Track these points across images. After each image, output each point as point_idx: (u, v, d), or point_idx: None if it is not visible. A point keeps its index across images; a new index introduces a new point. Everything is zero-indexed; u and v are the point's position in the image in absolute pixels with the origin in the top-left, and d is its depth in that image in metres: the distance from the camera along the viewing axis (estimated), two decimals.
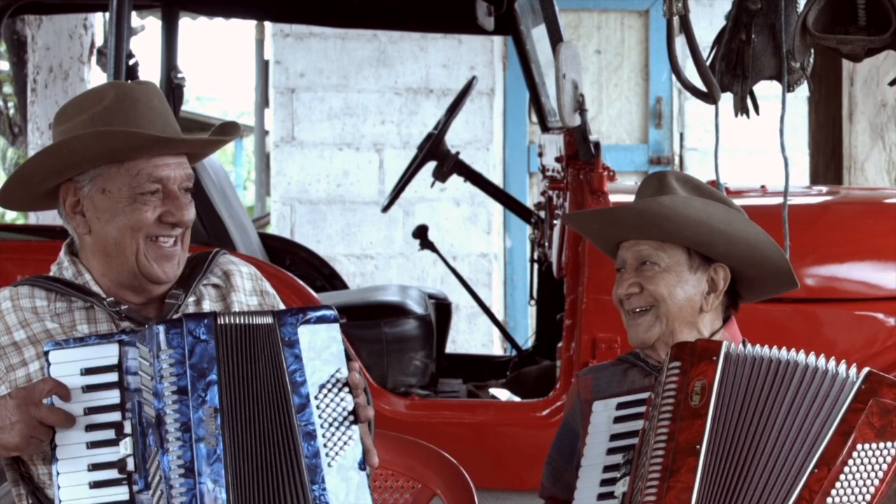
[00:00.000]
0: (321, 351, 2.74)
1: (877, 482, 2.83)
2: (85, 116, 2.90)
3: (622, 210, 3.21)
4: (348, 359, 2.79)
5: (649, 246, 3.16)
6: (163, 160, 2.89)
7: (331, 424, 2.71)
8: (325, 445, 2.70)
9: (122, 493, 2.68)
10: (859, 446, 2.84)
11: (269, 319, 2.74)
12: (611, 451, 3.05)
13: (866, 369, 2.91)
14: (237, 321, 2.73)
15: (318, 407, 2.71)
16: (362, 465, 2.72)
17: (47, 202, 2.98)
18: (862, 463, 2.84)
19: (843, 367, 2.92)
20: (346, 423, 2.72)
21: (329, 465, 2.69)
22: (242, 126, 16.60)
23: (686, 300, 3.16)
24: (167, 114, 2.94)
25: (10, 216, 13.79)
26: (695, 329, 3.17)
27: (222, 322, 2.71)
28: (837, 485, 2.83)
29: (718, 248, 3.15)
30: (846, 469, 2.83)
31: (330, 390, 2.73)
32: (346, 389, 2.74)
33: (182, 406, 2.64)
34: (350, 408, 2.73)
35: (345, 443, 2.71)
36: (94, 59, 8.40)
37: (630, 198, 5.16)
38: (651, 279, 3.15)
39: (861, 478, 2.83)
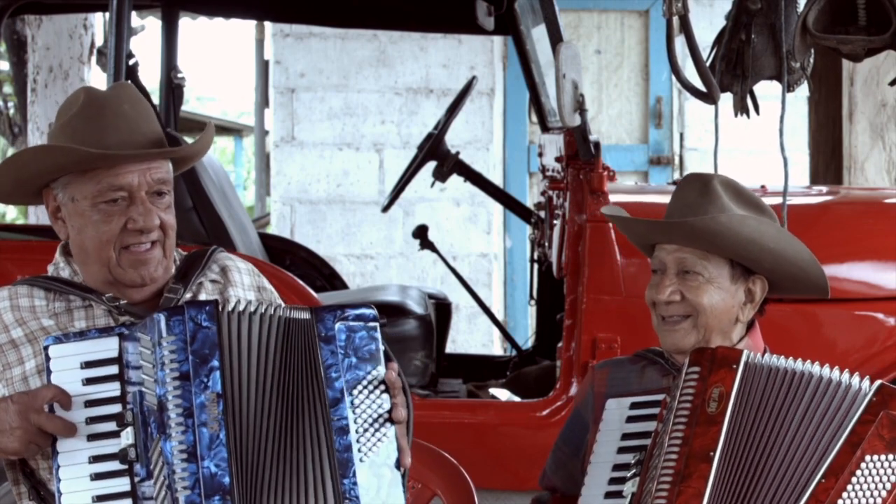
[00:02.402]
0: (359, 349, 2.75)
1: (884, 493, 2.83)
2: (57, 125, 2.91)
3: (678, 224, 3.12)
4: (388, 359, 2.79)
5: (694, 255, 3.11)
6: (125, 167, 2.85)
7: (365, 421, 2.73)
8: (357, 441, 2.71)
9: (123, 484, 2.68)
10: (868, 457, 2.84)
11: (306, 315, 2.76)
12: (621, 451, 3.05)
13: (878, 382, 2.91)
14: (275, 313, 2.74)
15: (352, 403, 2.73)
16: (397, 463, 2.74)
17: (38, 199, 2.99)
18: (870, 474, 2.84)
19: (856, 379, 2.92)
20: (382, 421, 2.74)
21: (361, 460, 2.70)
22: (243, 127, 16.63)
23: (725, 311, 3.13)
24: (138, 118, 2.90)
25: (11, 216, 13.79)
26: (727, 338, 3.15)
27: (224, 309, 2.71)
28: (844, 495, 2.83)
29: (764, 265, 3.13)
30: (853, 479, 2.83)
31: (366, 388, 2.75)
32: (383, 388, 2.76)
33: (185, 391, 2.65)
34: (386, 407, 2.75)
35: (379, 440, 2.73)
36: (94, 59, 8.39)
37: (630, 197, 5.17)
38: (694, 289, 3.11)
39: (868, 488, 2.83)
